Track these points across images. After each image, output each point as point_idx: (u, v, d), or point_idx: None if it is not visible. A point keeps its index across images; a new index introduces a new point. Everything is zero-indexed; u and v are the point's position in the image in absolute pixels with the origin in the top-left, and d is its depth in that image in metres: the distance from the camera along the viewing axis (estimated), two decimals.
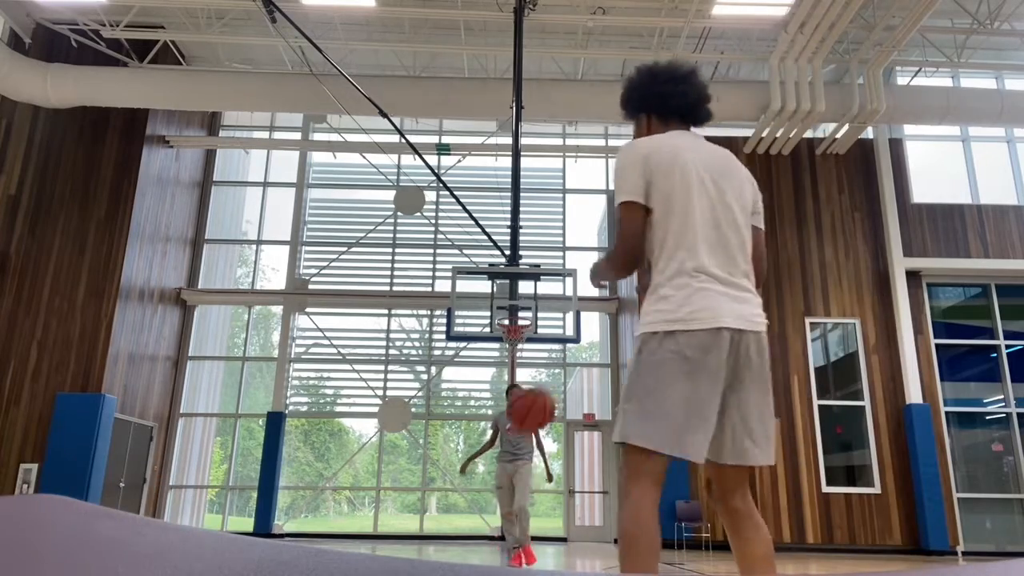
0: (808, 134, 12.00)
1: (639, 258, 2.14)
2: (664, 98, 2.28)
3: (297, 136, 14.34)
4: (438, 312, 13.29)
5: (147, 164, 11.73)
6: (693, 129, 2.31)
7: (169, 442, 12.51)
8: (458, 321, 11.52)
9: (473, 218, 10.25)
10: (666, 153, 2.13)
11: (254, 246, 14.10)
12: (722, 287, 2.04)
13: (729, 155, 2.23)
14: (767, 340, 2.10)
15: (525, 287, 9.23)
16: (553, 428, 14.13)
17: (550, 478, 7.50)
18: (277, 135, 14.65)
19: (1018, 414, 10.93)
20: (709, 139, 2.34)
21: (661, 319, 2.04)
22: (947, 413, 10.94)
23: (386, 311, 13.41)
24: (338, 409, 13.97)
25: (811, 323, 11.36)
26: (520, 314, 9.07)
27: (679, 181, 2.10)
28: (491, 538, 12.05)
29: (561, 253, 13.75)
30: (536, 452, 7.33)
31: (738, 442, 2.10)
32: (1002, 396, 11.07)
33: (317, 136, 14.27)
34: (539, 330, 9.34)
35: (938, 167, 12.52)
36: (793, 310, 11.35)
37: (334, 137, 13.92)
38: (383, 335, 13.39)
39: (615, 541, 12.04)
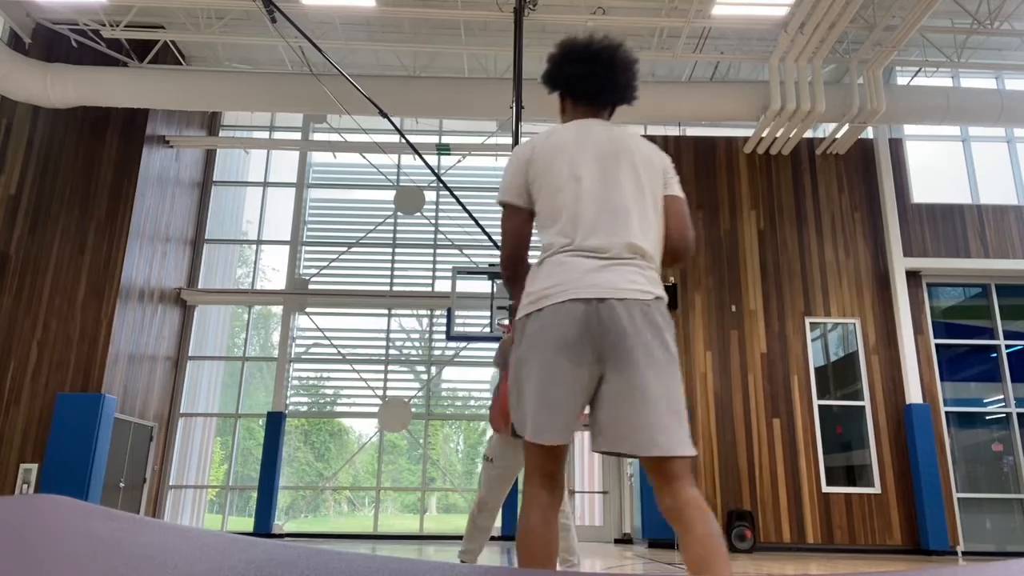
0: (808, 134, 12.00)
1: (520, 258, 2.10)
2: (572, 80, 2.20)
3: (297, 136, 14.33)
4: (438, 312, 13.29)
5: (147, 164, 11.73)
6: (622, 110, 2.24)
7: (169, 442, 12.51)
8: (458, 321, 11.53)
9: (473, 218, 10.25)
10: (547, 155, 2.10)
11: (254, 246, 14.10)
12: (590, 260, 1.92)
13: (626, 135, 2.14)
14: (655, 309, 1.90)
15: None
16: None
17: None
18: (277, 135, 14.64)
19: (1018, 414, 10.93)
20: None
21: (524, 303, 1.97)
22: (947, 413, 10.94)
23: (386, 311, 13.41)
24: (338, 409, 13.97)
25: (811, 323, 11.36)
26: None
27: (559, 180, 2.05)
28: (491, 538, 12.04)
29: None
30: None
31: (631, 429, 1.83)
32: (1002, 396, 11.07)
33: (317, 136, 14.27)
34: None
35: (938, 167, 12.52)
36: (793, 310, 11.36)
37: (334, 137, 13.91)
38: (383, 335, 13.39)
39: (615, 541, 12.10)
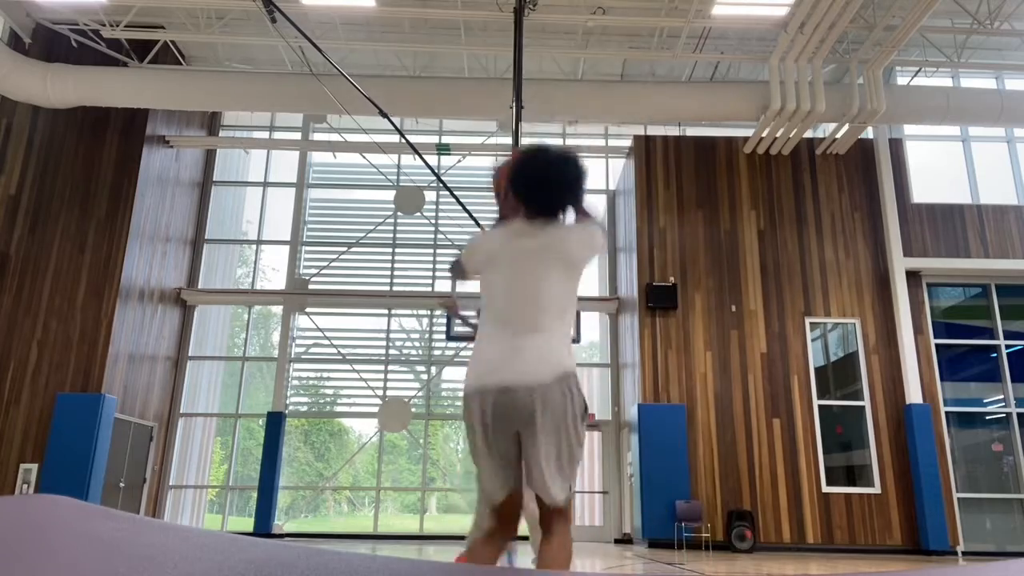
0: (808, 134, 12.00)
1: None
2: (513, 188, 2.52)
3: (297, 136, 14.33)
4: (438, 312, 13.29)
5: (147, 164, 11.73)
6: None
7: (169, 442, 12.51)
8: (458, 321, 11.52)
9: (473, 218, 10.23)
10: (484, 254, 2.54)
11: (254, 246, 14.10)
12: (498, 348, 2.32)
13: (549, 233, 2.44)
14: (556, 388, 2.24)
15: None
16: None
17: None
18: (277, 135, 14.65)
19: (1018, 414, 10.93)
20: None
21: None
22: (947, 413, 10.94)
23: (386, 311, 13.41)
24: (338, 409, 13.97)
25: (811, 323, 11.36)
26: None
27: (489, 275, 2.48)
28: None
29: None
30: None
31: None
32: (1002, 396, 11.07)
33: (317, 136, 14.27)
34: None
35: (938, 167, 12.52)
36: (793, 310, 11.36)
37: (334, 137, 13.91)
38: (383, 335, 13.39)
39: (615, 541, 12.10)
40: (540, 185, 2.49)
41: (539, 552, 2.30)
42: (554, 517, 2.28)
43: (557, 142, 14.12)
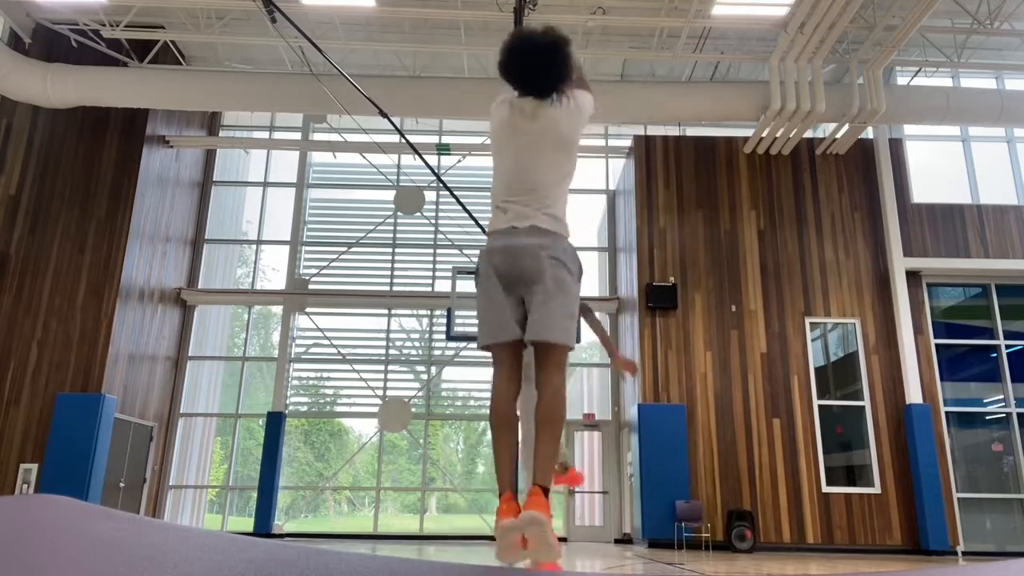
0: (808, 134, 12.00)
1: None
2: (503, 75, 2.72)
3: (297, 136, 14.34)
4: (438, 312, 13.29)
5: (147, 164, 11.73)
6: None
7: (169, 442, 12.51)
8: (458, 321, 11.51)
9: (473, 218, 10.23)
10: (494, 128, 2.80)
11: (254, 246, 14.10)
12: (508, 214, 2.63)
13: (543, 116, 2.67)
14: (556, 249, 2.55)
15: None
16: None
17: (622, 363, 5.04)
18: (277, 135, 14.65)
19: (1018, 414, 10.93)
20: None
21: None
22: (947, 413, 10.94)
23: (386, 311, 13.41)
24: (338, 409, 13.97)
25: (811, 323, 11.36)
26: None
27: (496, 146, 2.79)
28: (491, 538, 12.04)
29: None
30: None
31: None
32: (1002, 396, 11.07)
33: (317, 136, 14.27)
34: None
35: (938, 167, 12.52)
36: (793, 310, 11.36)
37: (334, 137, 13.91)
38: (383, 335, 13.39)
39: (615, 541, 12.09)
40: (525, 70, 2.67)
41: (536, 408, 2.48)
42: (549, 366, 2.52)
43: None
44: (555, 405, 2.46)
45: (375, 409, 12.67)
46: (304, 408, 13.80)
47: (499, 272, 2.59)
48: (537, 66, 2.65)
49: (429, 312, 13.53)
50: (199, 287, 13.24)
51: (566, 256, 2.59)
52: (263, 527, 11.69)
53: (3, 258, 10.99)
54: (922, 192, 11.96)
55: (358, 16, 11.16)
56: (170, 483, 12.47)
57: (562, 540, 12.20)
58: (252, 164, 14.54)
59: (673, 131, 13.30)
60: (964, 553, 10.23)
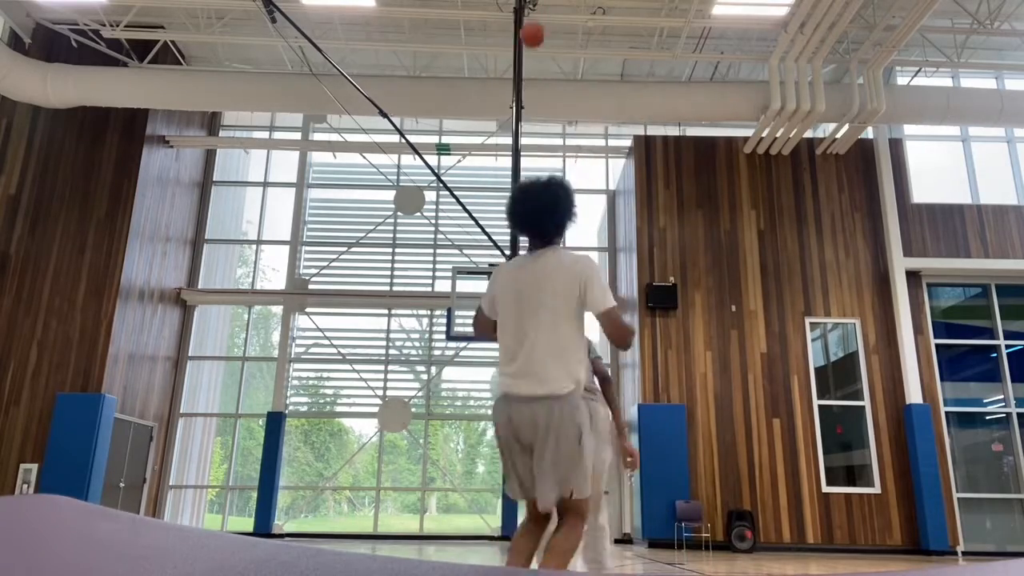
0: (808, 134, 12.00)
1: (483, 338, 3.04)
2: (511, 220, 2.83)
3: (297, 136, 14.34)
4: (438, 312, 13.29)
5: (147, 164, 11.73)
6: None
7: (169, 442, 12.51)
8: (458, 321, 11.51)
9: (473, 218, 10.24)
10: (499, 282, 2.83)
11: (254, 246, 14.10)
12: (505, 378, 2.69)
13: (549, 265, 2.72)
14: (551, 409, 2.59)
15: None
16: None
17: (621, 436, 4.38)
18: (277, 135, 14.65)
19: (1018, 414, 10.93)
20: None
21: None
22: (947, 413, 10.94)
23: (386, 311, 13.41)
24: (338, 409, 13.97)
25: (811, 323, 11.36)
26: None
27: (501, 303, 2.80)
28: (491, 538, 12.05)
29: None
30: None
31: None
32: (1002, 396, 11.07)
33: (317, 136, 14.27)
34: None
35: (938, 167, 12.52)
36: (793, 310, 11.35)
37: (334, 137, 13.91)
38: (383, 335, 13.39)
39: (615, 541, 12.08)
40: (521, 216, 2.76)
41: (548, 541, 2.59)
42: (567, 513, 2.61)
43: (557, 143, 14.13)
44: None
45: (375, 409, 12.67)
46: (304, 408, 13.80)
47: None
48: (533, 211, 2.77)
49: (429, 312, 13.53)
50: (199, 287, 13.24)
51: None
52: (263, 527, 11.69)
53: (3, 258, 10.99)
54: (922, 192, 11.96)
55: (358, 16, 11.16)
56: (170, 483, 12.47)
57: None
58: (252, 164, 14.54)
59: (673, 131, 13.30)
60: (964, 553, 10.23)
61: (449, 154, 13.66)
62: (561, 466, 2.56)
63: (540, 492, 2.56)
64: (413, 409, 12.73)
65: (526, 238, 2.81)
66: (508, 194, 2.88)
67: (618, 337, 2.72)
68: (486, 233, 10.29)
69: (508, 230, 9.70)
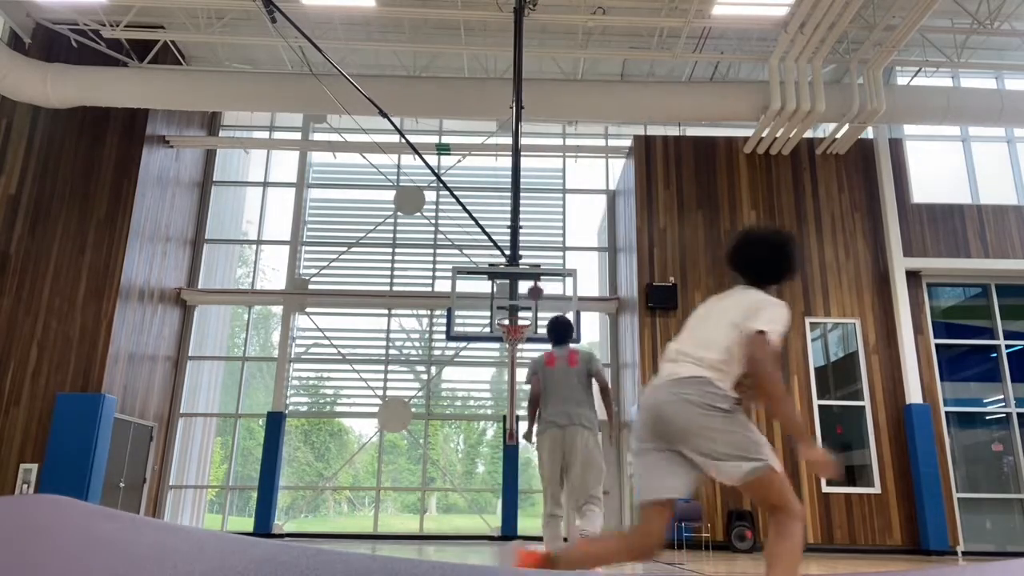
0: (808, 134, 12.00)
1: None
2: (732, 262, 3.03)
3: (297, 136, 14.34)
4: (438, 312, 13.29)
5: (147, 164, 11.73)
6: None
7: (169, 442, 12.51)
8: (458, 321, 11.51)
9: (473, 218, 10.25)
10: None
11: (254, 246, 14.10)
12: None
13: (736, 294, 2.91)
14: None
15: (525, 287, 9.23)
16: None
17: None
18: (277, 135, 14.65)
19: (1018, 414, 10.93)
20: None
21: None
22: (947, 413, 10.94)
23: (386, 311, 13.41)
24: (338, 409, 13.97)
25: (811, 323, 11.36)
26: (520, 314, 9.07)
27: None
28: (491, 538, 12.05)
29: (561, 253, 13.74)
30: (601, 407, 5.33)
31: None
32: (1002, 396, 11.07)
33: (317, 136, 14.27)
34: (539, 330, 9.33)
35: (938, 167, 12.52)
36: (793, 310, 11.30)
37: (334, 137, 13.91)
38: (383, 335, 13.39)
39: None
40: (747, 259, 3.02)
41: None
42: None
43: (557, 143, 14.13)
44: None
45: (375, 409, 12.67)
46: (304, 408, 13.80)
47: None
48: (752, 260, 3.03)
49: (429, 312, 13.53)
50: (199, 287, 13.24)
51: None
52: (263, 527, 11.69)
53: (3, 258, 10.99)
54: (922, 192, 11.96)
55: (358, 16, 11.17)
56: (170, 483, 12.47)
57: (562, 540, 12.19)
58: (252, 164, 14.54)
59: (673, 131, 13.30)
60: (964, 553, 10.23)
61: (449, 154, 13.66)
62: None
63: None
64: (413, 409, 12.74)
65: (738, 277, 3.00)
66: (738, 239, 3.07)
67: (752, 367, 2.78)
68: (486, 233, 10.29)
69: (508, 230, 9.73)
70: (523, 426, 5.54)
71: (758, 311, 2.76)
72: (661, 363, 2.91)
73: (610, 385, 5.32)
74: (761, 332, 2.69)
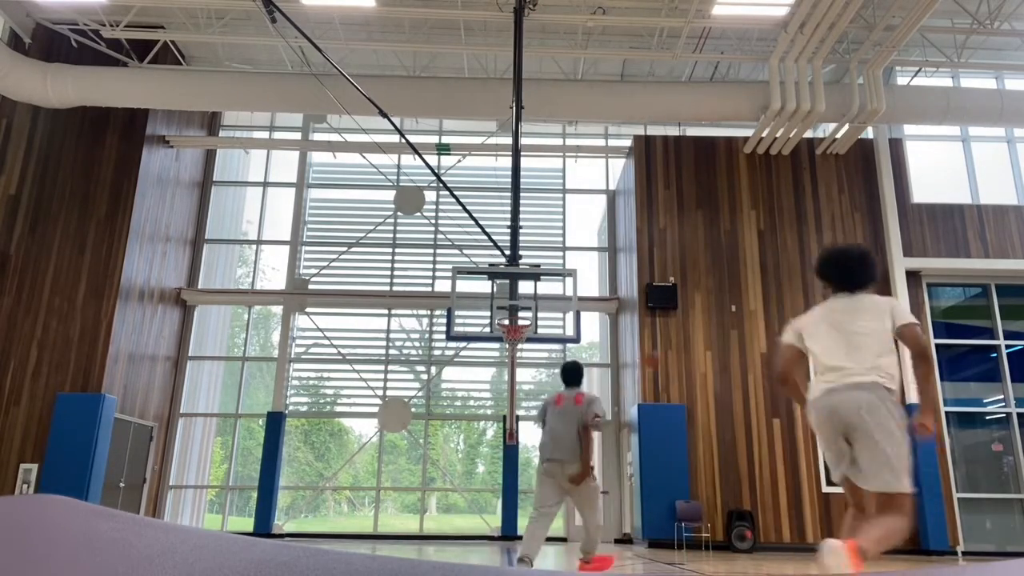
0: (808, 134, 12.00)
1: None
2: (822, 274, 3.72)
3: (297, 136, 14.34)
4: (438, 312, 13.29)
5: (147, 164, 11.73)
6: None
7: (169, 442, 12.51)
8: (458, 321, 11.52)
9: (473, 218, 10.25)
10: (804, 322, 3.90)
11: (254, 246, 14.10)
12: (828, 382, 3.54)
13: (863, 299, 3.58)
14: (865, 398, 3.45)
15: (525, 287, 9.23)
16: None
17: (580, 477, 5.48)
18: (277, 135, 14.65)
19: (1018, 414, 10.93)
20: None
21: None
22: (947, 413, 10.94)
23: (386, 311, 13.42)
24: (338, 409, 13.97)
25: None
26: (520, 314, 9.07)
27: (812, 334, 3.77)
28: (491, 538, 12.05)
29: (561, 253, 13.75)
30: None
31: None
32: (1002, 396, 11.07)
33: (317, 136, 14.27)
34: (539, 330, 9.34)
35: (938, 167, 12.52)
36: (793, 310, 11.36)
37: (334, 137, 13.92)
38: (383, 335, 13.39)
39: (615, 541, 12.06)
40: (841, 269, 3.76)
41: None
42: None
43: (557, 143, 14.13)
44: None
45: (375, 409, 12.67)
46: (304, 408, 13.81)
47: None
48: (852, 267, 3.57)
49: (429, 312, 13.53)
50: (199, 287, 13.25)
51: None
52: (263, 527, 11.69)
53: (3, 258, 11.00)
54: (922, 192, 11.96)
55: (358, 16, 11.17)
56: (170, 483, 12.48)
57: (562, 540, 12.21)
58: (252, 164, 14.55)
59: (673, 131, 13.31)
60: (964, 553, 10.23)
61: (449, 154, 13.66)
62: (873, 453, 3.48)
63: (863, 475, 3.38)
64: (413, 409, 12.74)
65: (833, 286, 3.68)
66: (826, 255, 3.74)
67: (917, 347, 3.47)
68: (486, 233, 10.29)
69: (508, 230, 9.74)
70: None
71: (896, 309, 3.47)
72: (817, 382, 3.59)
73: (599, 423, 5.53)
74: (912, 322, 3.43)
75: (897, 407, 3.38)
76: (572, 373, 5.97)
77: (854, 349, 3.47)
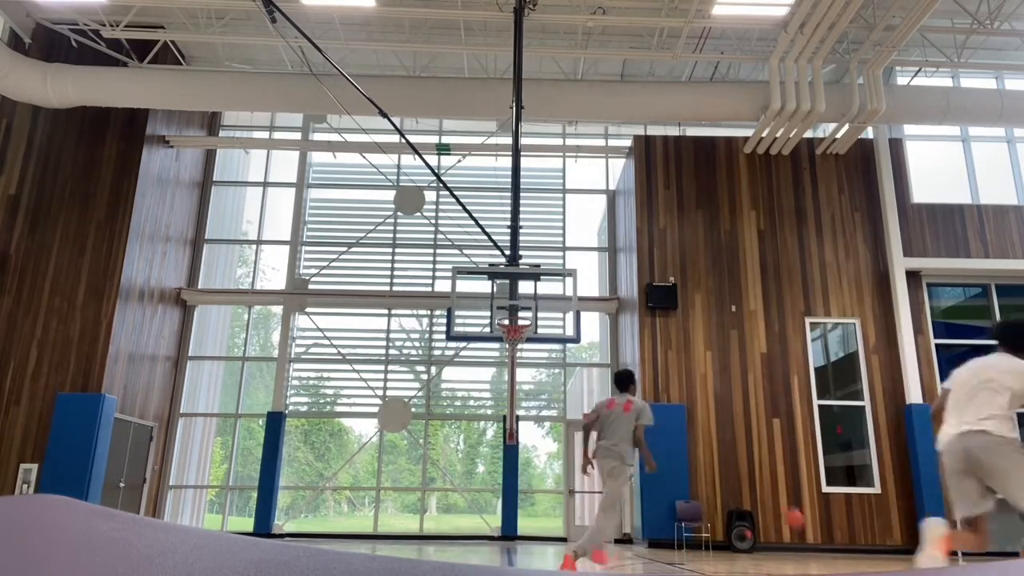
0: (808, 134, 12.00)
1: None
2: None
3: (297, 136, 14.34)
4: (438, 312, 13.29)
5: (147, 164, 11.73)
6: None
7: (169, 442, 12.51)
8: (458, 321, 11.53)
9: (473, 218, 10.25)
10: (957, 374, 4.60)
11: (254, 246, 14.10)
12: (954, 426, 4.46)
13: (996, 359, 4.49)
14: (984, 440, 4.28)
15: (525, 287, 9.23)
16: (553, 428, 14.14)
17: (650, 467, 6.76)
18: (277, 135, 14.65)
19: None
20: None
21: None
22: None
23: (386, 311, 13.42)
24: (338, 409, 13.97)
25: (811, 323, 11.36)
26: (520, 314, 9.07)
27: (958, 382, 4.62)
28: (491, 538, 12.05)
29: (561, 253, 13.75)
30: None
31: None
32: None
33: (317, 136, 14.27)
34: (539, 330, 9.33)
35: (938, 167, 12.52)
36: (793, 310, 11.36)
37: (334, 137, 13.92)
38: (383, 335, 13.39)
39: (615, 541, 12.09)
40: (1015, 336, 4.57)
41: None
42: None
43: (557, 143, 14.13)
44: None
45: (375, 409, 12.67)
46: (304, 408, 13.81)
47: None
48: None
49: (429, 312, 13.53)
50: (199, 287, 13.25)
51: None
52: (263, 527, 11.69)
53: (3, 258, 11.00)
54: (922, 192, 11.96)
55: (358, 16, 11.17)
56: (170, 483, 12.48)
57: (562, 540, 12.20)
58: (252, 164, 14.55)
59: (673, 131, 13.31)
60: (964, 553, 10.22)
61: (449, 154, 13.66)
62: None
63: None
64: (413, 409, 12.74)
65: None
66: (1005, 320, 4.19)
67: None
68: (486, 233, 10.29)
69: (508, 230, 9.74)
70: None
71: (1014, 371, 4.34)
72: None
73: (641, 434, 6.58)
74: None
75: None
76: (623, 380, 6.73)
77: None
